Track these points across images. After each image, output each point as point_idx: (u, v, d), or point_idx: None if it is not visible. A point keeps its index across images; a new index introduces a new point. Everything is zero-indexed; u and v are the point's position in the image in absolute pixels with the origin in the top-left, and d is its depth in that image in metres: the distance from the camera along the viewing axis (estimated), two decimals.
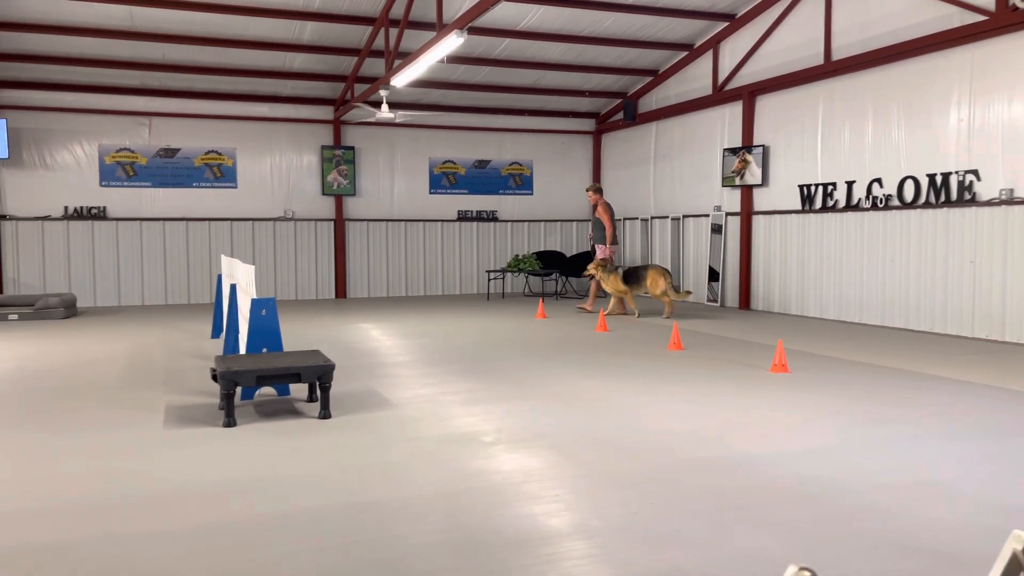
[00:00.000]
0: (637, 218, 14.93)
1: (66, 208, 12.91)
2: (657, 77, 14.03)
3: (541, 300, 11.89)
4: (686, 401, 5.69)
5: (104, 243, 13.13)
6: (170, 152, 13.43)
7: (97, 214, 13.03)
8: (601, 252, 11.62)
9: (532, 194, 15.77)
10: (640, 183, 14.87)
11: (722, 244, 12.63)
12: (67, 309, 11.36)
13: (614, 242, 11.54)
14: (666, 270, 11.01)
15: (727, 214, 12.55)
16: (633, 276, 11.07)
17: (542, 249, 15.68)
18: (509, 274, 15.10)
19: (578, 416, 5.24)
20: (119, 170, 13.17)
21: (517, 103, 15.09)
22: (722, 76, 12.47)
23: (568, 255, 15.51)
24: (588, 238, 12.07)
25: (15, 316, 11.00)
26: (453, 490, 3.76)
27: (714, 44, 12.55)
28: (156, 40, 11.44)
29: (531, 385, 6.29)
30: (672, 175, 13.96)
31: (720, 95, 12.39)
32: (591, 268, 11.24)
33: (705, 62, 12.92)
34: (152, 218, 13.36)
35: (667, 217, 14.05)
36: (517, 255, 15.05)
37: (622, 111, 14.78)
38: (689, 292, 11.58)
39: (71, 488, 3.82)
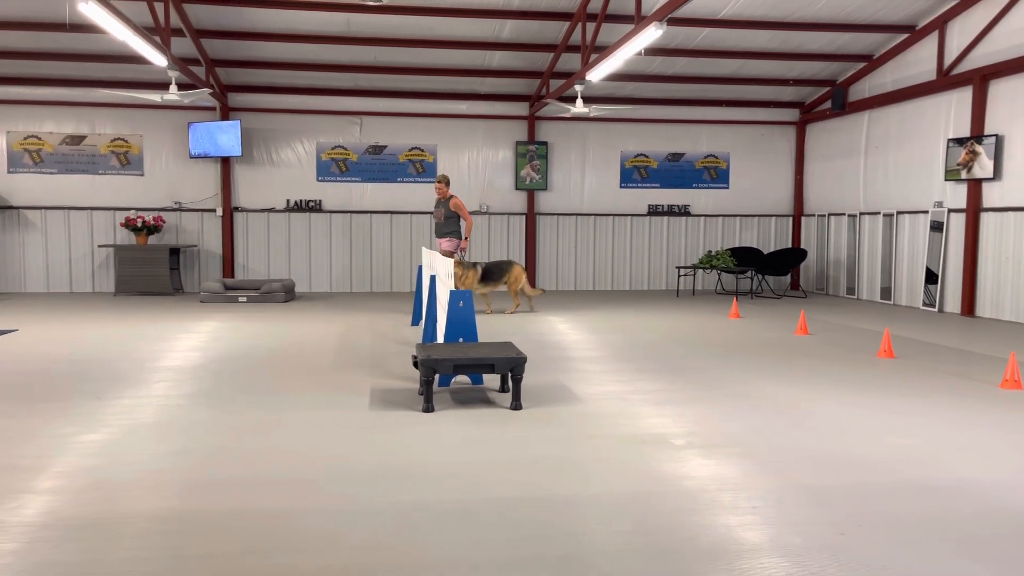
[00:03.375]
0: (844, 214, 13.96)
1: (288, 201, 14.14)
2: (871, 63, 13.01)
3: (735, 299, 11.44)
4: (899, 415, 5.23)
5: (319, 234, 14.25)
6: (378, 149, 14.30)
7: (314, 207, 14.16)
8: (451, 245, 10.66)
9: (728, 188, 15.20)
10: (848, 176, 13.87)
11: (942, 243, 11.50)
12: (287, 293, 12.46)
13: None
14: (523, 267, 11.12)
15: (949, 210, 11.41)
16: (495, 272, 10.78)
17: (737, 245, 15.08)
18: (701, 271, 14.67)
19: (777, 424, 4.98)
20: (333, 166, 14.23)
21: (714, 94, 14.59)
22: (948, 59, 11.33)
23: (765, 252, 14.81)
24: (437, 243, 10.82)
25: (244, 299, 12.23)
26: (643, 492, 3.70)
27: (940, 24, 11.42)
28: (369, 44, 12.22)
29: (725, 388, 6.06)
30: (885, 168, 12.90)
31: (945, 80, 11.26)
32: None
33: (928, 44, 11.79)
34: (361, 211, 14.31)
35: (879, 213, 13.01)
36: (710, 251, 14.58)
37: (830, 100, 13.85)
38: (543, 290, 11.28)
39: (286, 460, 4.17)
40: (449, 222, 10.66)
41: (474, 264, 10.73)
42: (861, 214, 13.48)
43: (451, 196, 10.61)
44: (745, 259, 14.12)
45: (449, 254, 10.50)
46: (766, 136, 15.23)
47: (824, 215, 14.56)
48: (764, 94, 14.67)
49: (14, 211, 13.44)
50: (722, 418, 5.12)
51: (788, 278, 15.21)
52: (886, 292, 12.86)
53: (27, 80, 13.14)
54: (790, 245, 15.38)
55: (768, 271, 13.89)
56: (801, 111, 15.10)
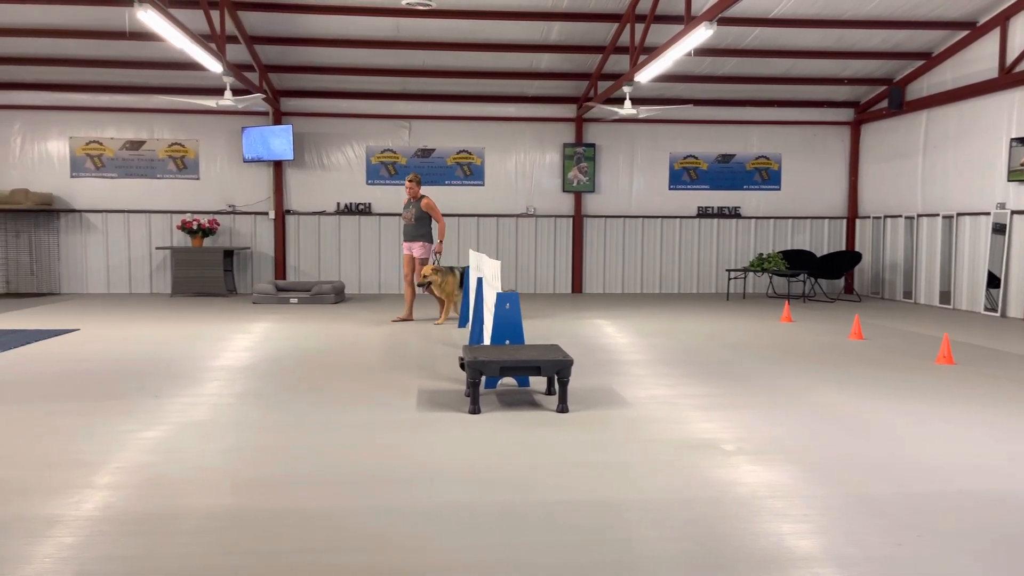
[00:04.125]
0: (900, 216, 13.60)
1: (338, 204, 14.33)
2: (929, 60, 12.66)
3: (787, 302, 11.23)
4: (960, 424, 5.06)
5: (368, 236, 14.41)
6: (426, 152, 14.42)
7: (363, 209, 14.33)
8: (425, 251, 10.03)
9: (779, 189, 14.94)
10: (905, 178, 13.51)
11: (1005, 246, 11.12)
12: (337, 295, 12.63)
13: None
14: None
15: (1012, 212, 11.03)
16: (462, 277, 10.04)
17: (789, 248, 14.81)
18: (751, 274, 14.44)
19: (830, 431, 4.86)
20: (383, 169, 14.39)
21: (766, 94, 14.36)
22: (1011, 56, 10.96)
23: (818, 255, 14.51)
24: (405, 246, 10.15)
25: (295, 300, 12.43)
26: (692, 498, 3.64)
27: (1001, 21, 11.05)
28: (418, 48, 12.33)
29: (776, 394, 5.95)
30: (945, 169, 12.53)
31: (1008, 78, 10.89)
32: (429, 273, 9.61)
33: (990, 41, 11.43)
34: None
35: (937, 215, 12.64)
36: (761, 254, 14.34)
37: (886, 99, 13.53)
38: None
39: (334, 459, 4.21)
40: (420, 224, 9.99)
41: (451, 268, 10.01)
42: (919, 216, 13.12)
43: (422, 196, 10.00)
44: (797, 262, 13.86)
45: (423, 261, 10.06)
46: (819, 137, 14.93)
47: (880, 217, 14.21)
48: (817, 94, 14.39)
49: (77, 214, 13.89)
50: (773, 424, 5.02)
51: (842, 281, 14.89)
52: (945, 296, 12.48)
53: (89, 87, 13.58)
54: (844, 248, 15.05)
55: (821, 274, 13.61)
56: (856, 111, 14.77)
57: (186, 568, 2.89)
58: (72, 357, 7.34)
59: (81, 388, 5.97)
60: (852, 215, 14.99)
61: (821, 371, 6.84)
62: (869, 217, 14.60)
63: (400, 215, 10.00)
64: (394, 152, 14.37)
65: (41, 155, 13.81)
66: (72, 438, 4.58)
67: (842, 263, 13.69)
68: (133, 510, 3.44)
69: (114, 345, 8.08)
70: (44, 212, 13.75)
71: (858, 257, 13.69)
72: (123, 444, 4.46)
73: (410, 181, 10.03)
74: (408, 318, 10.19)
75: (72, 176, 13.88)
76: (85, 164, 13.89)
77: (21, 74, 13.18)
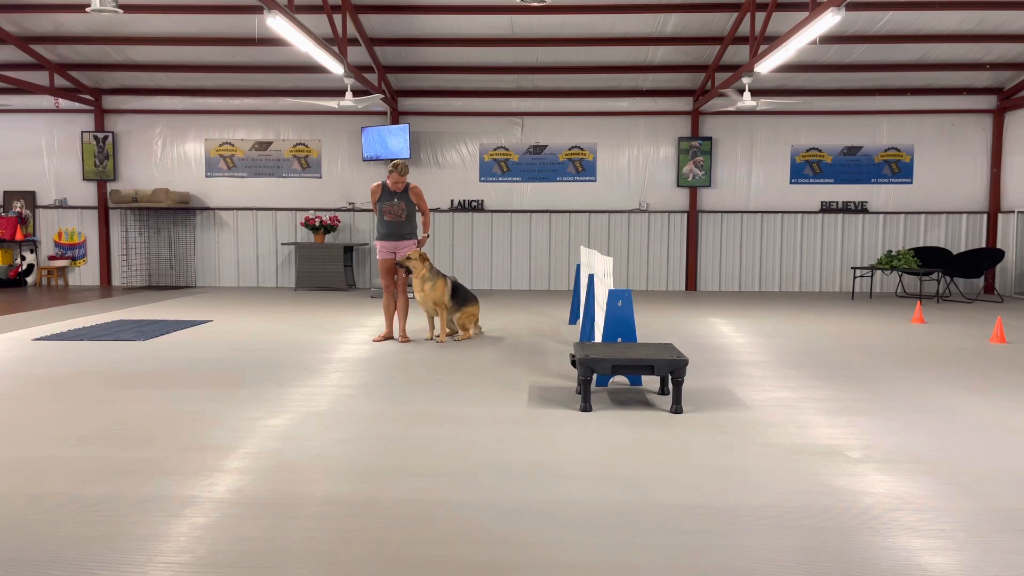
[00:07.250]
0: None
1: (452, 201, 14.58)
2: None
3: (919, 303, 10.57)
4: None
5: (481, 233, 14.59)
6: (538, 149, 14.45)
7: (476, 207, 14.52)
8: (408, 249, 8.12)
9: (911, 183, 14.09)
10: None
11: None
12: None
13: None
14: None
15: None
16: (460, 297, 8.26)
17: (921, 245, 13.95)
18: (879, 272, 13.70)
19: (968, 440, 4.54)
20: (495, 167, 14.53)
21: (896, 82, 13.56)
22: None
23: (954, 252, 13.60)
24: (384, 248, 8.16)
25: (411, 295, 12.73)
26: (815, 506, 3.48)
27: None
28: (531, 45, 12.37)
29: (907, 399, 5.61)
30: None
31: None
32: (415, 258, 7.93)
33: None
34: (520, 210, 14.51)
35: None
36: (890, 251, 13.58)
37: None
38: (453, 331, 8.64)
39: (449, 453, 4.28)
40: (411, 220, 8.14)
41: (442, 274, 8.19)
42: None
43: (409, 184, 8.06)
44: (930, 260, 13.04)
45: (420, 252, 8.08)
46: (958, 126, 13.98)
47: None
48: (955, 80, 13.48)
49: (211, 212, 14.75)
50: (904, 431, 4.73)
51: (981, 281, 13.90)
52: None
53: (222, 92, 14.38)
54: (984, 244, 14.04)
55: (957, 273, 12.75)
56: (999, 98, 13.74)
57: (308, 552, 3.00)
58: (206, 346, 7.80)
59: (214, 376, 6.33)
60: (994, 209, 13.95)
61: (958, 376, 6.40)
62: (1014, 211, 13.55)
63: (376, 211, 8.16)
64: (507, 149, 14.49)
65: (179, 156, 14.73)
66: (205, 423, 4.86)
67: (982, 261, 12.77)
68: (260, 494, 3.61)
69: (243, 336, 8.53)
70: (182, 210, 14.68)
71: (1000, 255, 12.74)
72: (251, 430, 4.69)
73: (400, 173, 7.86)
74: (389, 335, 8.34)
75: (207, 176, 14.73)
76: (218, 164, 14.72)
77: (163, 80, 14.11)
